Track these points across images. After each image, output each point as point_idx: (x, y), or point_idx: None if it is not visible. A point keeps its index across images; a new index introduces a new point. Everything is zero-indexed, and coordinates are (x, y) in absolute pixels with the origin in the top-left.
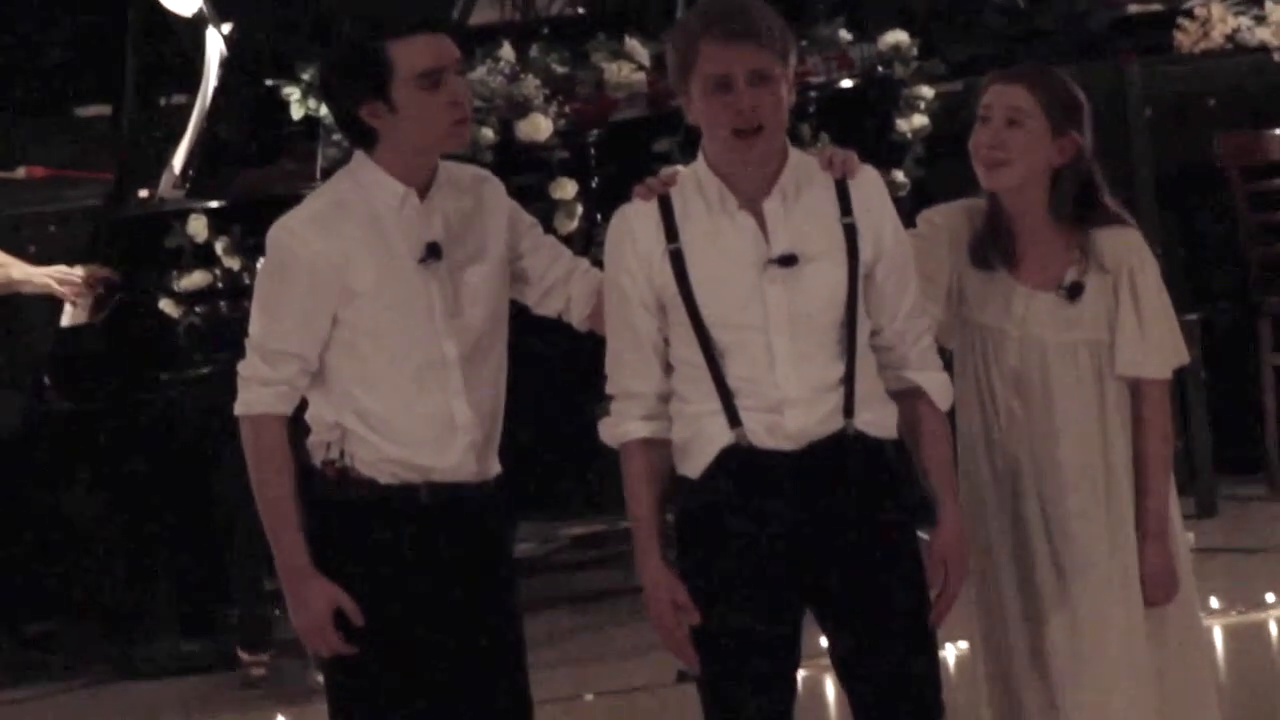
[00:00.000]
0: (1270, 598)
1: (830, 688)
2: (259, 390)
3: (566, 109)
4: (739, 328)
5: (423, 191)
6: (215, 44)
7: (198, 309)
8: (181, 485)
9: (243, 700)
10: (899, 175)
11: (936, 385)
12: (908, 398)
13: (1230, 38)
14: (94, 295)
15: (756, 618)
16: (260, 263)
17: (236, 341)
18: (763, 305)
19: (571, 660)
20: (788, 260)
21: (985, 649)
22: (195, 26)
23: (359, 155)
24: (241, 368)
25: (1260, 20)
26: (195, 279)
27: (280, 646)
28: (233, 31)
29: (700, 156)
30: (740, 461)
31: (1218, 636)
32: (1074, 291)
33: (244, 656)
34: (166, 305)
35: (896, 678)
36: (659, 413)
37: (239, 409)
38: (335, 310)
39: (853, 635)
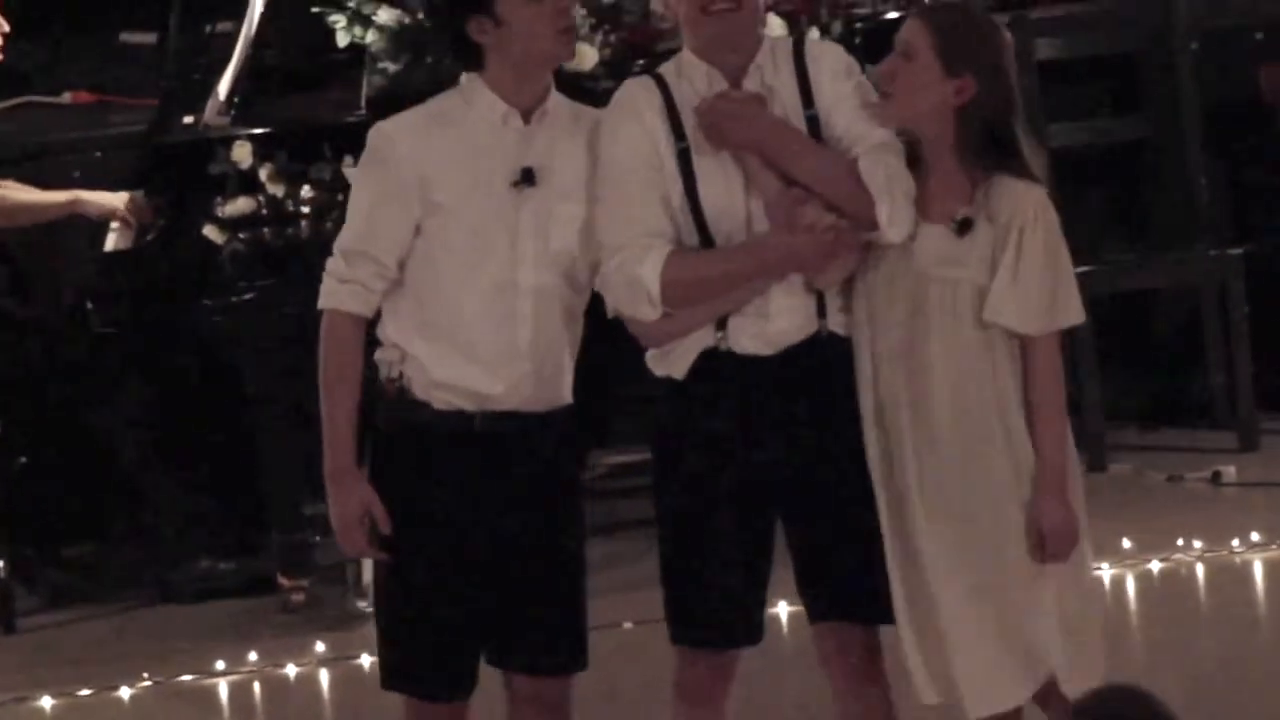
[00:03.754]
0: None
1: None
2: (335, 285)
3: (612, 38)
4: (737, 217)
5: (528, 115)
6: None
7: (241, 235)
8: (223, 410)
9: (281, 625)
10: None
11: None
12: None
13: None
14: (138, 221)
15: (730, 511)
16: (304, 189)
17: (280, 267)
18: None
19: (612, 588)
20: None
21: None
22: None
23: (470, 76)
24: (328, 262)
25: None
26: (239, 205)
27: (319, 572)
28: None
29: (684, 49)
30: (721, 364)
31: (1258, 570)
32: (964, 226)
33: (283, 582)
34: (210, 231)
35: (854, 573)
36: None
37: (319, 301)
38: (418, 220)
39: (817, 531)
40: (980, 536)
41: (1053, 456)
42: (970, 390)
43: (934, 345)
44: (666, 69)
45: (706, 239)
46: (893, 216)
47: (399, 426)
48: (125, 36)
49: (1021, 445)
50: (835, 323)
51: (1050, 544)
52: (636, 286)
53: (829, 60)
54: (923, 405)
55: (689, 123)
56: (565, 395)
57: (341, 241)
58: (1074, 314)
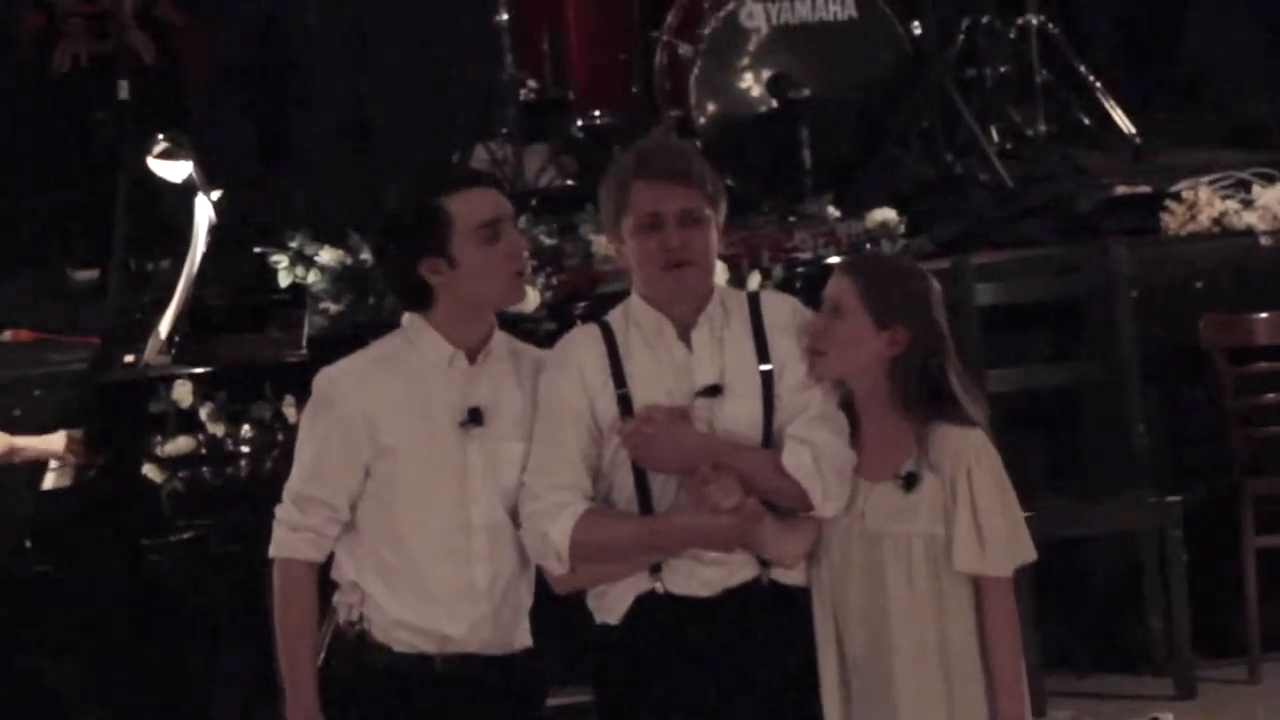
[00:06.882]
0: None
1: None
2: (288, 534)
3: (554, 280)
4: None
5: (473, 355)
6: (204, 210)
7: (181, 474)
8: (161, 650)
9: None
10: None
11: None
12: None
13: (1217, 221)
14: (77, 459)
15: None
16: (245, 429)
17: (219, 507)
18: None
19: None
20: (713, 390)
21: None
22: (184, 192)
23: (412, 317)
24: (277, 510)
25: (1248, 204)
26: (179, 444)
27: None
28: (221, 198)
29: (633, 294)
30: (657, 608)
31: None
32: (910, 482)
33: None
34: (150, 470)
35: None
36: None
37: (270, 550)
38: (367, 462)
39: None
40: None
41: (1010, 699)
42: (928, 643)
43: (892, 601)
44: (614, 315)
45: (642, 485)
46: (825, 496)
47: (359, 670)
48: (68, 274)
49: (978, 696)
50: (777, 571)
51: None
52: (546, 543)
53: (783, 315)
54: (885, 662)
55: (632, 370)
56: (525, 638)
57: (291, 488)
58: (1030, 550)
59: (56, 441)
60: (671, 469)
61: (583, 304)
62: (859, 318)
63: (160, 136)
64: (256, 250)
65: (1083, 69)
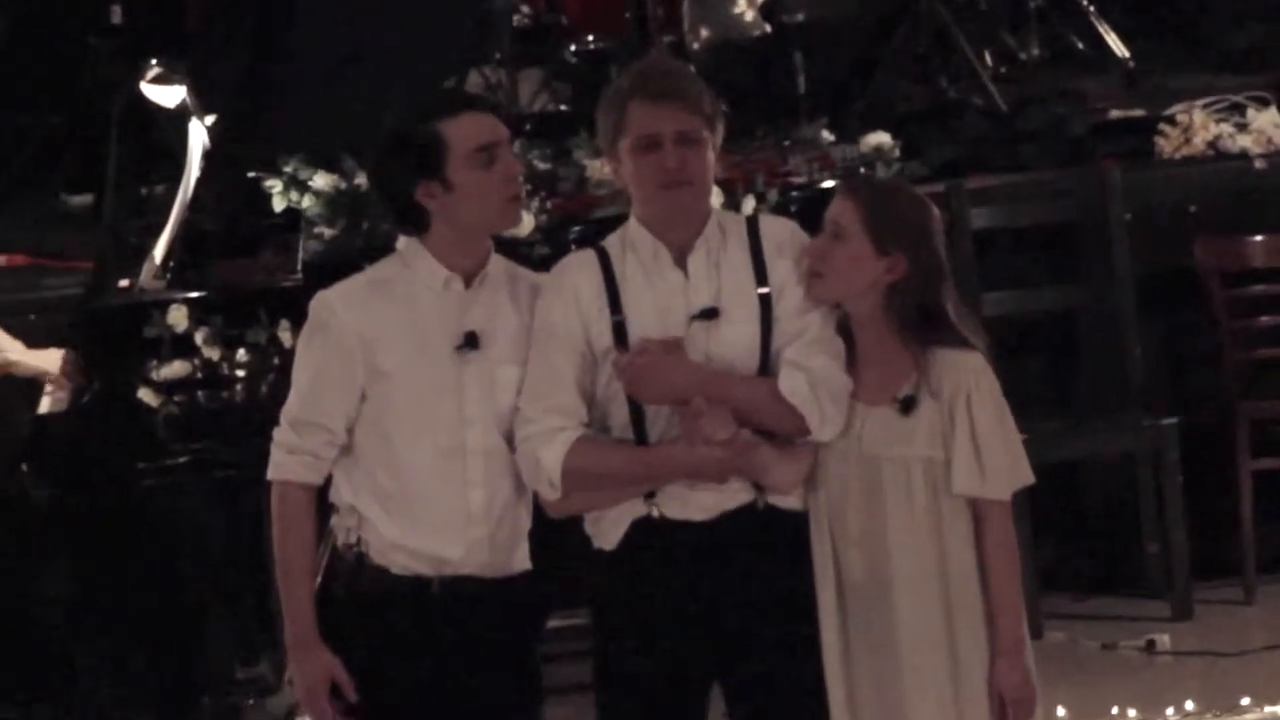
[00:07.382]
0: (1245, 701)
1: None
2: (285, 457)
3: (548, 205)
4: None
5: (469, 279)
6: (198, 135)
7: (176, 398)
8: (156, 573)
9: None
10: None
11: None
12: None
13: (1212, 144)
14: (73, 382)
15: (665, 686)
16: (240, 353)
17: (214, 431)
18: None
19: None
20: (709, 313)
21: None
22: (178, 118)
23: (408, 241)
24: (275, 433)
25: (1242, 128)
26: (174, 369)
27: None
28: (216, 123)
29: (631, 218)
30: (653, 533)
31: None
32: (907, 405)
33: None
34: (145, 394)
35: None
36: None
37: (268, 473)
38: (363, 386)
39: (753, 708)
40: (951, 706)
41: (1010, 621)
42: (928, 567)
43: (891, 525)
44: (611, 241)
45: (637, 415)
46: (822, 421)
47: (357, 593)
48: (62, 200)
49: (978, 619)
50: (775, 495)
51: (1011, 709)
52: (539, 469)
53: (782, 238)
54: (884, 586)
55: (628, 296)
56: (523, 561)
57: (289, 411)
58: (1029, 474)
59: (53, 359)
60: (665, 401)
61: (577, 229)
62: (860, 241)
63: (154, 61)
64: (251, 175)
65: None
